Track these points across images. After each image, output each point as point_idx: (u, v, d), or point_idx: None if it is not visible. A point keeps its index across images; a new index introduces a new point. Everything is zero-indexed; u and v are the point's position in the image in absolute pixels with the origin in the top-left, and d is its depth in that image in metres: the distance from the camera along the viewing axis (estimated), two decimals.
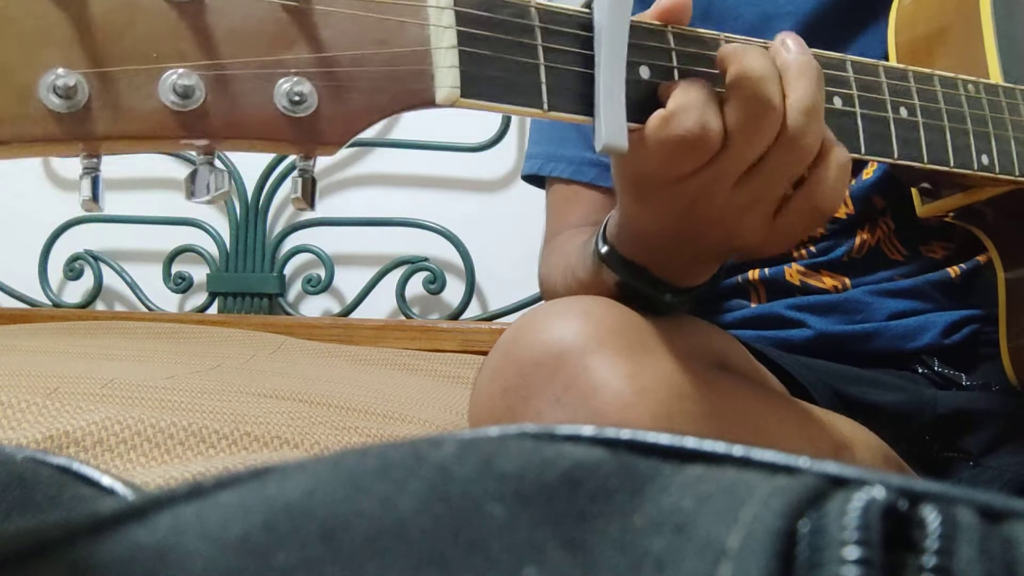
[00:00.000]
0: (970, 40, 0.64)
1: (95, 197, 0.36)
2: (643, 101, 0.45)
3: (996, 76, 0.62)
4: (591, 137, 0.43)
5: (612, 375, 0.48)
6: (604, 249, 0.56)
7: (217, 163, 0.37)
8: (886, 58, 0.68)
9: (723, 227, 0.49)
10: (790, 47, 0.47)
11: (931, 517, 0.16)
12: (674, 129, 0.44)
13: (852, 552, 0.15)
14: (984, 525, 0.16)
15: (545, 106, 0.42)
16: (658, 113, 0.45)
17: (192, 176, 0.37)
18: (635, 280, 0.55)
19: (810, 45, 0.59)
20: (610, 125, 0.43)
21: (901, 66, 0.54)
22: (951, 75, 0.57)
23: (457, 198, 1.56)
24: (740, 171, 0.47)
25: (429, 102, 0.39)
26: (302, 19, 0.37)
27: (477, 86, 0.40)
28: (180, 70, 0.35)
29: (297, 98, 0.36)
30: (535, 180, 0.85)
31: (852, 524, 0.16)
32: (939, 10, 0.66)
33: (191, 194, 0.37)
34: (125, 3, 0.34)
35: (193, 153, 0.37)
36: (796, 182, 0.49)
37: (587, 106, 0.43)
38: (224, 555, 0.17)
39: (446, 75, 0.39)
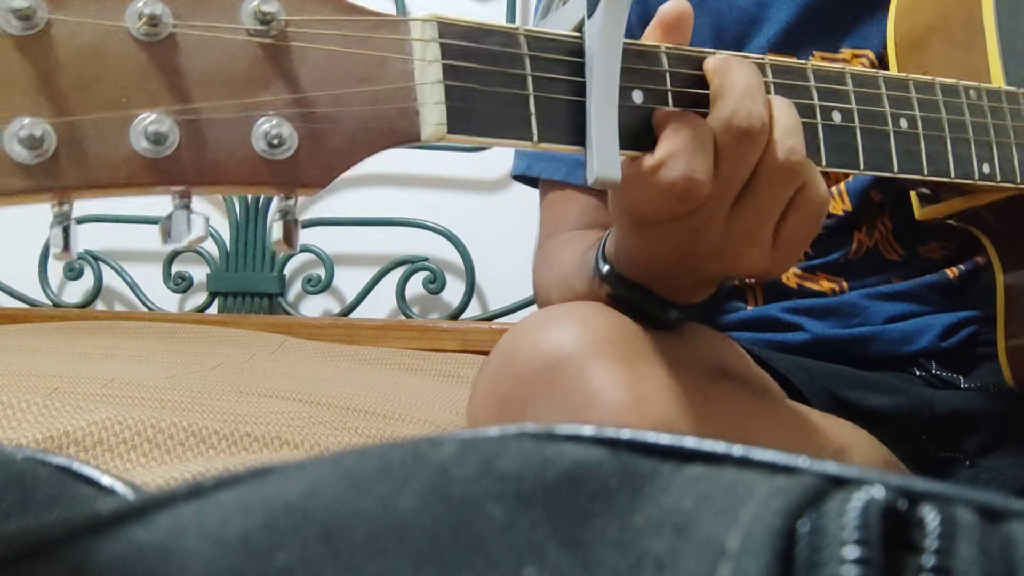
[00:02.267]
0: (971, 33, 0.63)
1: (67, 247, 0.34)
2: (636, 127, 0.44)
3: (997, 71, 0.62)
4: (583, 169, 0.42)
5: (610, 384, 0.48)
6: (605, 269, 0.55)
7: (194, 207, 0.35)
8: (885, 48, 0.68)
9: (722, 258, 0.49)
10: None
11: (930, 517, 0.16)
12: (663, 178, 0.44)
13: (852, 552, 0.15)
14: (983, 525, 0.16)
15: (535, 138, 0.41)
16: (647, 161, 0.44)
17: (168, 220, 0.35)
18: (637, 298, 0.55)
19: (808, 33, 0.60)
20: (602, 157, 0.41)
21: (902, 75, 0.54)
22: (952, 82, 0.56)
23: (457, 198, 1.56)
24: (732, 198, 0.47)
25: (414, 139, 0.38)
26: (279, 57, 0.35)
27: (464, 121, 0.39)
28: (152, 115, 0.33)
29: (276, 141, 0.35)
30: (525, 179, 0.83)
31: (852, 524, 0.16)
32: (941, 6, 0.66)
33: (166, 239, 0.35)
34: (92, 47, 0.33)
35: None
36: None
37: (579, 135, 0.42)
38: (224, 555, 0.17)
39: (432, 112, 0.38)
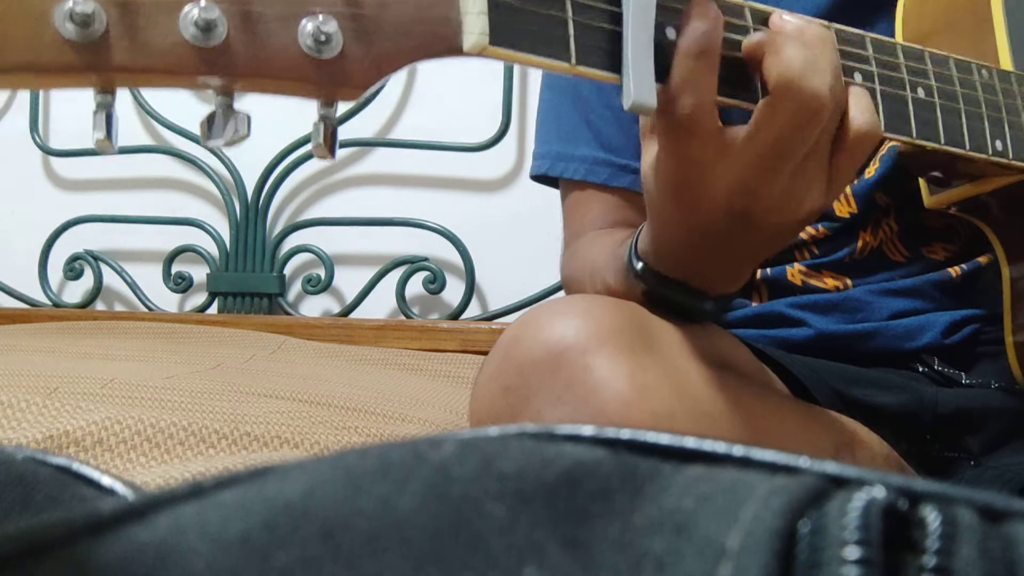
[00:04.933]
0: (980, 26, 0.63)
1: (109, 135, 0.34)
2: (669, 62, 0.45)
3: (1007, 63, 0.62)
4: (618, 97, 0.43)
5: (613, 374, 0.48)
6: (639, 266, 0.56)
7: (236, 105, 0.35)
8: None
9: (784, 210, 0.49)
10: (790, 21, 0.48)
11: (931, 517, 0.16)
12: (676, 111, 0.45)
13: (852, 552, 0.15)
14: (984, 525, 0.16)
15: (573, 59, 0.41)
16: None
17: (209, 119, 0.35)
18: (673, 292, 0.55)
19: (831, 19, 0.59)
20: (639, 83, 0.42)
21: (918, 46, 0.54)
22: (965, 59, 0.57)
23: (457, 198, 1.56)
24: (798, 158, 0.47)
25: (456, 50, 0.38)
26: None
27: (505, 35, 0.39)
28: (202, 3, 0.33)
29: (323, 38, 0.35)
30: (545, 179, 0.84)
31: (852, 524, 0.16)
32: (948, 2, 0.66)
33: (207, 137, 0.35)
34: None
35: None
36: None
37: (614, 63, 0.42)
38: (224, 555, 0.17)
39: (475, 21, 0.38)
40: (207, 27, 0.33)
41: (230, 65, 0.34)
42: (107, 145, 0.34)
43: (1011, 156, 0.57)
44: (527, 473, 0.18)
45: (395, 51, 0.37)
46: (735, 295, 0.57)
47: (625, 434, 0.18)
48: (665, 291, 0.55)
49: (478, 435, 0.19)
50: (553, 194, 0.84)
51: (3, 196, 1.71)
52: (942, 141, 0.54)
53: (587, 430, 0.19)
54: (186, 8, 0.33)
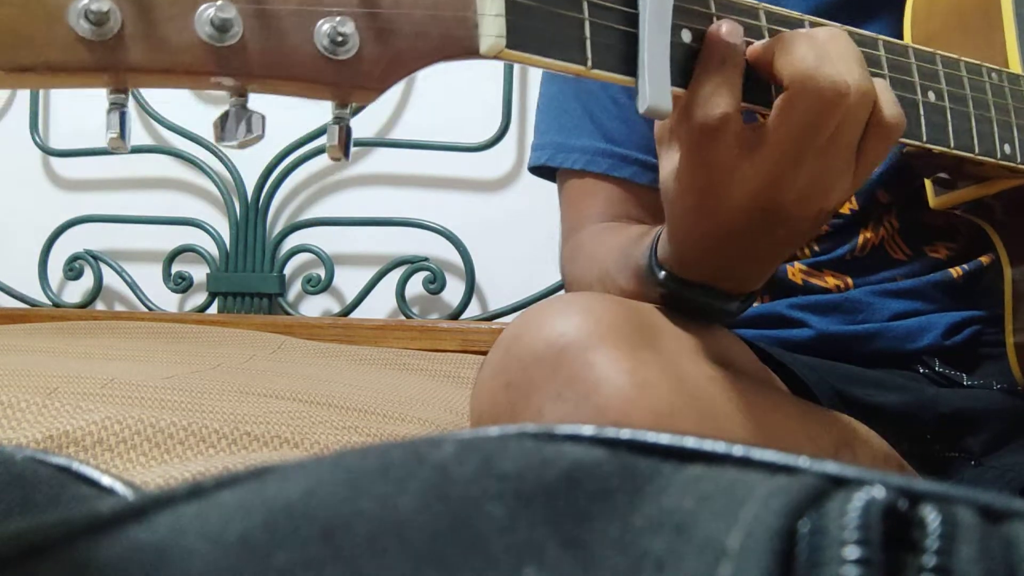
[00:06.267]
0: (990, 27, 0.63)
1: (123, 134, 0.34)
2: (684, 65, 0.45)
3: (1016, 64, 0.62)
4: (634, 100, 0.43)
5: (613, 371, 0.48)
6: (662, 275, 0.56)
7: (250, 106, 0.35)
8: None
9: (809, 201, 0.49)
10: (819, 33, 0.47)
11: (931, 517, 0.16)
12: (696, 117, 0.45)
13: (852, 552, 0.15)
14: (984, 525, 0.16)
15: (589, 62, 0.41)
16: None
17: (223, 118, 0.35)
18: (697, 295, 0.56)
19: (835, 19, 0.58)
20: (655, 87, 0.42)
21: (929, 49, 0.54)
22: (976, 62, 0.57)
23: (457, 198, 1.56)
24: (819, 147, 0.47)
25: (473, 52, 0.38)
26: None
27: (522, 37, 0.38)
28: (219, 2, 0.33)
29: (340, 39, 0.34)
30: (543, 172, 0.83)
31: (852, 524, 0.16)
32: (957, 2, 0.66)
33: (221, 137, 0.35)
34: None
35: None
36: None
37: (630, 67, 0.42)
38: (224, 555, 0.17)
39: (491, 24, 0.38)
40: (223, 26, 0.33)
41: (246, 65, 0.34)
42: (120, 144, 0.34)
43: (1019, 160, 0.57)
44: (527, 473, 0.18)
45: (412, 52, 0.36)
46: (757, 293, 0.57)
47: (625, 434, 0.18)
48: (690, 295, 0.56)
49: (478, 435, 0.19)
50: (553, 193, 0.83)
51: (3, 196, 1.71)
52: (952, 145, 0.54)
53: (587, 430, 0.19)
54: (202, 6, 0.33)
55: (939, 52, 0.55)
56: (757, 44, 0.47)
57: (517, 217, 1.50)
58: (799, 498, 0.16)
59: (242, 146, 0.35)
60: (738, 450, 0.18)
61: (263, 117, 0.35)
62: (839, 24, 0.50)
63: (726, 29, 0.45)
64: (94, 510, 0.18)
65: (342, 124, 0.37)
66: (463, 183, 1.56)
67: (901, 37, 0.67)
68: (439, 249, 1.53)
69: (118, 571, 0.16)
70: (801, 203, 0.49)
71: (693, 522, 0.16)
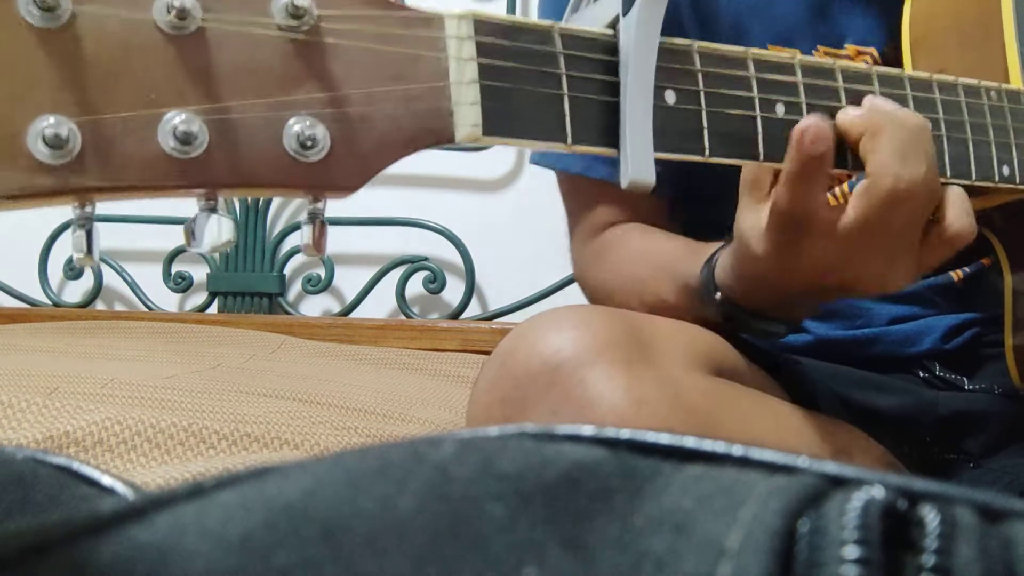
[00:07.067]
0: (989, 35, 0.63)
1: (90, 251, 0.33)
2: (667, 127, 0.43)
3: (1016, 73, 0.61)
4: (615, 171, 0.42)
5: (608, 388, 0.48)
6: (718, 296, 0.57)
7: (220, 210, 0.34)
8: (889, 44, 0.68)
9: (862, 281, 0.51)
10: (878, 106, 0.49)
11: (930, 516, 0.16)
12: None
13: (851, 551, 0.15)
14: (983, 525, 0.16)
15: (569, 140, 0.39)
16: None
17: (192, 223, 0.34)
18: (751, 320, 0.58)
19: (811, 28, 0.59)
20: (637, 160, 0.40)
21: (926, 75, 0.54)
22: (974, 83, 0.56)
23: (457, 198, 1.56)
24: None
25: (448, 140, 0.37)
26: (310, 53, 0.34)
27: (499, 122, 0.37)
28: (181, 114, 0.32)
29: (309, 142, 0.33)
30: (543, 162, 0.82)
31: (851, 523, 0.16)
32: (956, 3, 0.65)
33: (191, 242, 0.34)
34: (119, 41, 0.31)
35: None
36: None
37: (612, 137, 0.41)
38: (224, 555, 0.17)
39: (467, 113, 0.36)
40: (186, 139, 0.32)
41: (213, 175, 0.32)
42: (89, 260, 0.33)
43: (1018, 181, 0.56)
44: (527, 473, 0.18)
45: (384, 148, 0.35)
46: (804, 317, 0.60)
47: (625, 434, 0.19)
48: (744, 319, 0.58)
49: (478, 435, 0.19)
50: (553, 193, 0.83)
51: None
52: (948, 175, 0.53)
53: (587, 430, 0.19)
54: (164, 119, 0.32)
55: (936, 77, 0.54)
56: (848, 113, 0.47)
57: (517, 217, 1.50)
58: (798, 498, 0.16)
59: (213, 251, 0.35)
60: (737, 450, 0.18)
61: (233, 221, 0.34)
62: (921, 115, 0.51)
63: (811, 136, 0.45)
64: (95, 510, 0.18)
65: (317, 220, 0.36)
66: (463, 183, 1.56)
67: (896, 27, 0.67)
68: (439, 249, 1.53)
69: (118, 571, 0.16)
70: (859, 284, 0.51)
71: (693, 522, 0.16)
